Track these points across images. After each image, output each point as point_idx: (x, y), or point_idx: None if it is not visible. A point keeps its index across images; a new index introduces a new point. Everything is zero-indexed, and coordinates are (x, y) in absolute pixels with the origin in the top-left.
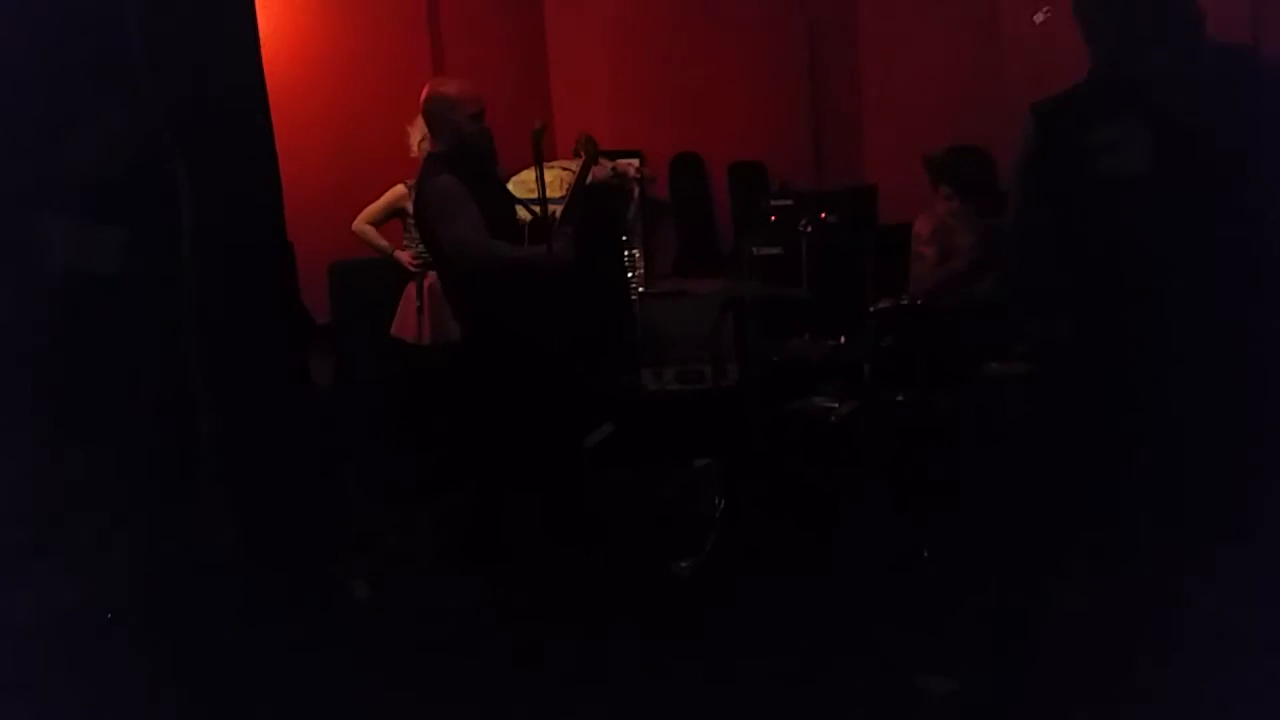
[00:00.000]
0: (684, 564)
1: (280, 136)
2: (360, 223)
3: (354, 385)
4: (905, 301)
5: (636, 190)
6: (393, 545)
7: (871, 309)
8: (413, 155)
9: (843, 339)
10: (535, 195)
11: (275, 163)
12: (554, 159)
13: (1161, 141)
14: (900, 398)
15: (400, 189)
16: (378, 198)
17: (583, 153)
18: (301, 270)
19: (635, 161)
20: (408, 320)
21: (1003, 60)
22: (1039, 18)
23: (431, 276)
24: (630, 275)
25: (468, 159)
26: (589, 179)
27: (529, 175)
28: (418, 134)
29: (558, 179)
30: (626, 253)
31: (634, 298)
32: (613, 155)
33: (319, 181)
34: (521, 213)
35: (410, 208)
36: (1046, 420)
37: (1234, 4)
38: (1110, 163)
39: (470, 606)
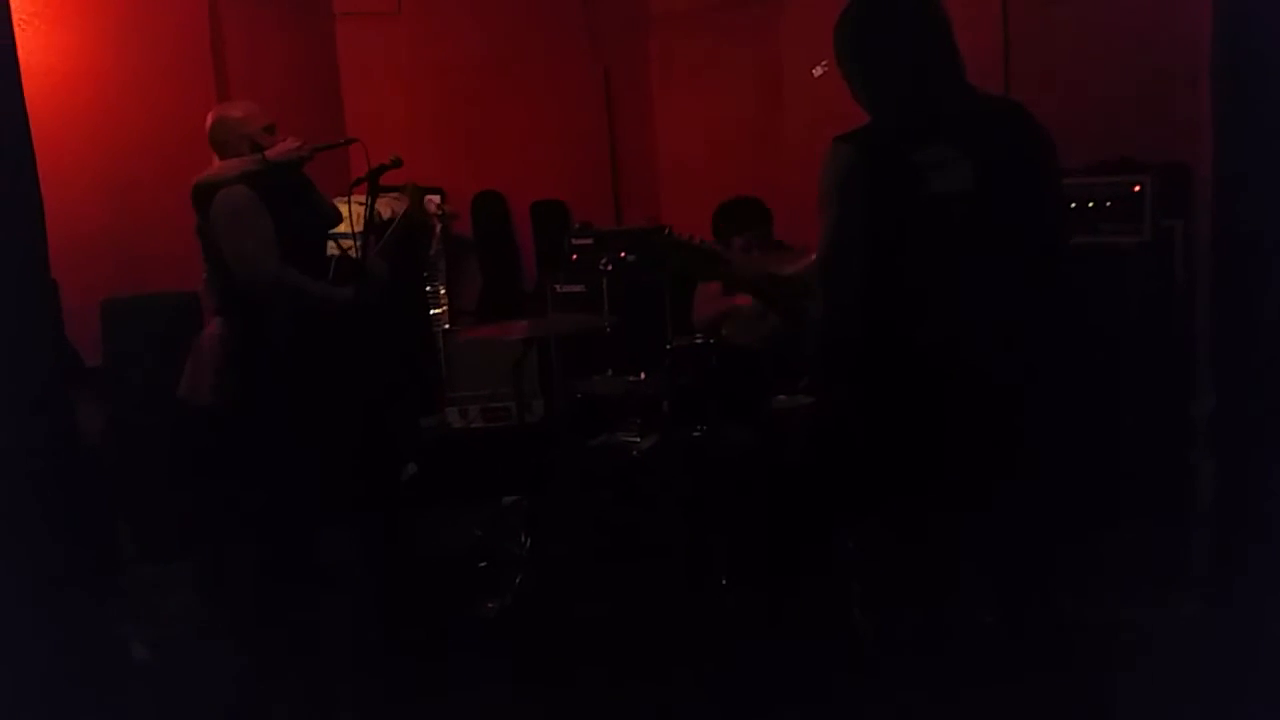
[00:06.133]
0: (490, 604)
1: (47, 167)
2: None
3: (127, 431)
4: (699, 340)
5: (439, 226)
6: (169, 604)
7: (669, 346)
8: None
9: (643, 375)
10: (348, 231)
11: (37, 193)
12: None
13: (977, 164)
14: (697, 432)
15: None
16: (157, 230)
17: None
18: (72, 308)
19: (436, 198)
20: None
21: (782, 108)
22: (818, 71)
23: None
24: (433, 312)
25: (267, 172)
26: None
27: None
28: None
29: (358, 214)
30: (429, 289)
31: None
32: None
33: (93, 214)
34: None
35: None
36: (838, 448)
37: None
38: (939, 179)
39: (257, 664)
